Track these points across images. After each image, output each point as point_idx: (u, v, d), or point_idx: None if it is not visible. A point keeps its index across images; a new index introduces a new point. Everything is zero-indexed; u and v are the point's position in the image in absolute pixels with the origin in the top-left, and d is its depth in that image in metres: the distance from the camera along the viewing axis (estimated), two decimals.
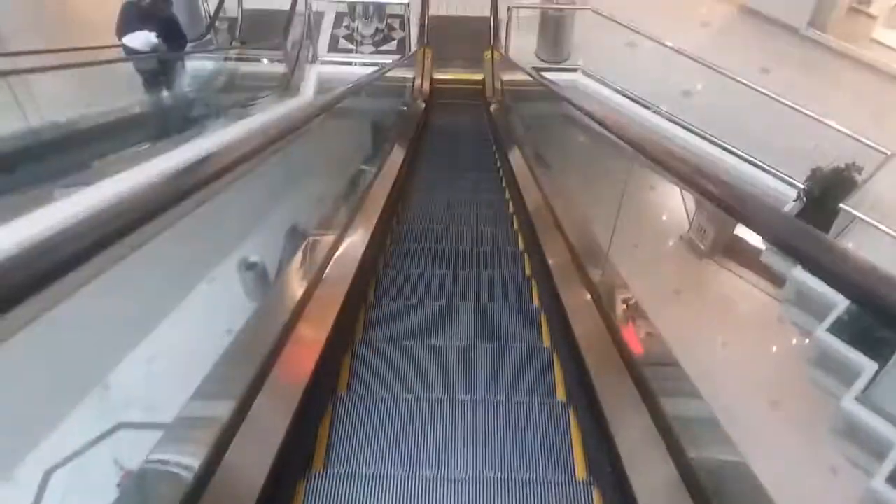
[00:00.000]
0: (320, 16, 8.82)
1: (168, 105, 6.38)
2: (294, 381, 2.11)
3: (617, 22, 7.48)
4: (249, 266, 7.09)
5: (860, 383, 4.14)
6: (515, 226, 4.60)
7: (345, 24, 8.99)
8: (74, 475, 5.14)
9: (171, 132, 5.71)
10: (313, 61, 8.31)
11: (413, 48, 8.79)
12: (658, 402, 1.89)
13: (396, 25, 9.08)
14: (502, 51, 8.51)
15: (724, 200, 1.56)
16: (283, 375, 2.03)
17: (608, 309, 2.53)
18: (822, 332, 4.36)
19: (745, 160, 6.45)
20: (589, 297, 2.76)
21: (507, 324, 3.06)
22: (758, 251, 6.20)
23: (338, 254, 3.07)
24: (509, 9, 8.32)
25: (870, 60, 7.85)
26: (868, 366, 4.18)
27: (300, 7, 7.92)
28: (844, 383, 4.32)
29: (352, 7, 8.83)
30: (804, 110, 5.94)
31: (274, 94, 7.37)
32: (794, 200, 5.41)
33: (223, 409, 1.69)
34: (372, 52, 8.75)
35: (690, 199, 7.71)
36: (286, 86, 7.59)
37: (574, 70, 8.08)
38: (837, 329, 4.35)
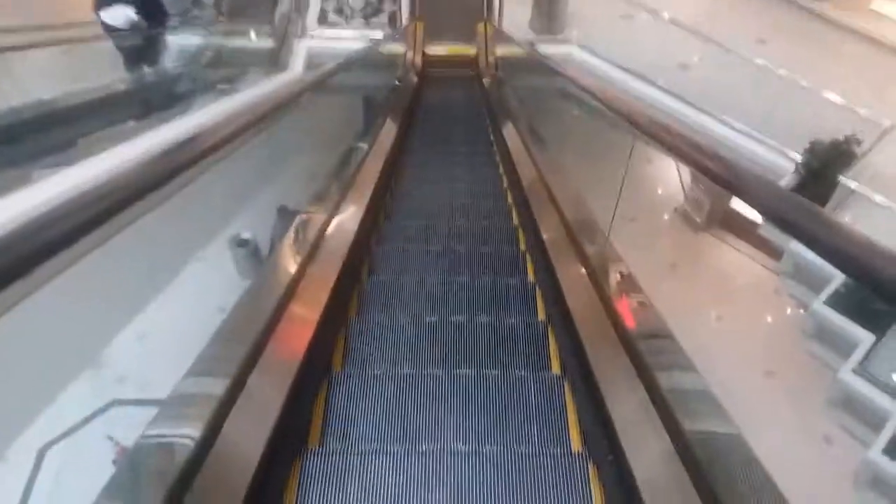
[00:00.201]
0: None
1: (149, 83, 6.22)
2: (288, 357, 2.09)
3: None
4: (241, 243, 7.05)
5: (857, 355, 4.12)
6: (510, 200, 4.54)
7: None
8: (69, 453, 5.13)
9: (153, 111, 5.56)
10: (302, 36, 8.16)
11: (404, 21, 8.64)
12: (653, 374, 1.87)
13: None
14: (496, 24, 8.37)
15: (718, 174, 1.54)
16: (277, 351, 2.00)
17: (603, 283, 2.49)
18: (819, 305, 4.34)
19: (743, 133, 6.35)
20: (584, 271, 2.72)
21: (502, 297, 3.02)
22: (754, 223, 6.17)
23: (330, 229, 3.01)
24: None
25: (868, 31, 7.75)
26: (865, 337, 4.16)
27: None
28: (841, 355, 4.31)
29: None
30: (802, 82, 5.86)
31: (262, 70, 7.24)
32: (792, 173, 5.35)
33: (219, 385, 1.67)
34: (362, 26, 8.59)
35: (686, 171, 7.65)
36: (275, 61, 7.46)
37: (569, 42, 7.96)
38: (835, 301, 4.33)
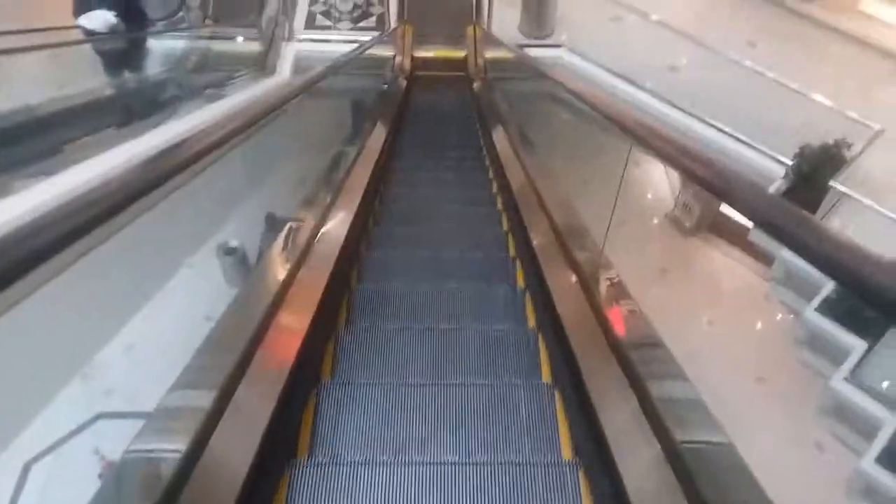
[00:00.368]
0: None
1: (132, 88, 6.12)
2: (277, 368, 2.07)
3: None
4: (228, 251, 6.96)
5: (849, 363, 4.09)
6: (499, 205, 4.52)
7: None
8: (54, 467, 5.04)
9: (136, 118, 5.46)
10: (290, 39, 8.09)
11: (393, 24, 8.58)
12: (643, 382, 1.85)
13: (375, 0, 8.86)
14: (485, 27, 8.33)
15: (706, 178, 1.51)
16: (265, 361, 1.98)
17: (593, 288, 2.48)
18: (810, 313, 4.31)
19: (733, 137, 6.32)
20: (574, 277, 2.70)
21: (492, 304, 3.01)
22: (744, 228, 6.15)
23: (320, 235, 2.99)
24: None
25: (857, 33, 7.75)
26: (857, 345, 4.13)
27: None
28: (833, 363, 4.28)
29: None
30: (791, 85, 5.84)
31: (249, 75, 7.17)
32: (783, 178, 5.32)
33: (206, 397, 1.65)
34: (350, 29, 8.53)
35: (675, 175, 7.63)
36: (262, 65, 7.38)
37: (558, 46, 7.93)
38: (826, 309, 4.30)
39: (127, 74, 6.02)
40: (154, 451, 1.59)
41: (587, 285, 2.53)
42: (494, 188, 4.99)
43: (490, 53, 8.18)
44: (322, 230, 3.06)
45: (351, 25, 8.59)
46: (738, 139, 6.34)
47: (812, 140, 5.30)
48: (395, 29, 8.51)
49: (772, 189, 5.19)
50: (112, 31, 5.44)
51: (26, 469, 4.98)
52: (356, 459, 1.95)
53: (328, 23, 8.56)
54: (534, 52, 6.81)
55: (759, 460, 1.46)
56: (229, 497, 1.60)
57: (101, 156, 3.94)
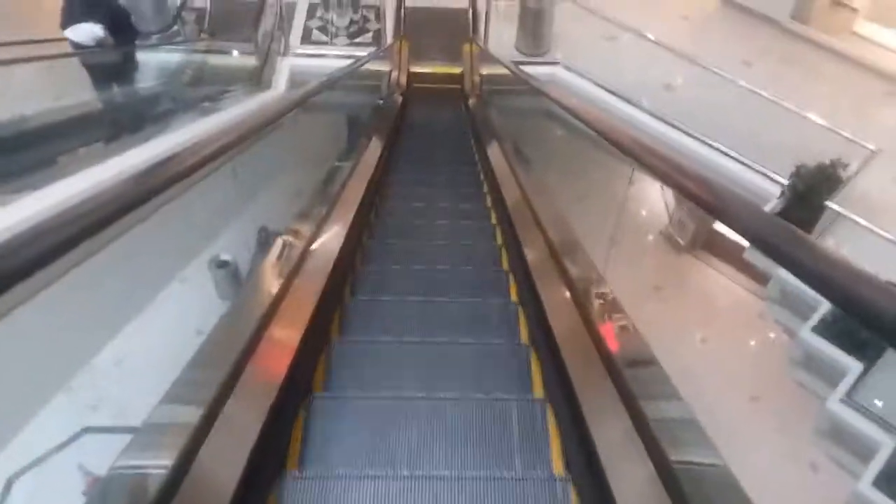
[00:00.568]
0: (292, 6, 8.58)
1: (124, 103, 6.07)
2: (267, 381, 2.04)
3: (596, 14, 7.36)
4: (220, 264, 6.92)
5: (845, 384, 4.06)
6: (494, 219, 4.53)
7: (318, 14, 8.76)
8: (38, 482, 4.95)
9: (125, 133, 5.39)
10: (285, 54, 8.09)
11: (389, 40, 8.60)
12: (636, 399, 1.84)
13: (372, 16, 8.88)
14: (481, 44, 8.35)
15: (701, 197, 1.53)
16: (255, 376, 1.95)
17: (587, 305, 2.46)
18: (806, 333, 4.28)
19: (728, 156, 6.32)
20: (568, 293, 2.68)
21: (485, 318, 3.01)
22: (738, 246, 6.13)
23: (313, 248, 2.97)
24: (488, 0, 8.17)
25: (852, 54, 7.79)
26: (853, 366, 4.10)
27: None
28: (829, 383, 4.25)
29: None
30: (786, 104, 5.85)
31: (244, 89, 7.15)
32: (779, 197, 5.32)
33: (195, 411, 1.63)
34: (346, 45, 8.54)
35: (670, 193, 7.63)
36: (257, 79, 7.37)
37: (554, 63, 7.94)
38: (822, 329, 4.27)
39: (115, 89, 5.97)
40: (141, 467, 1.56)
41: (581, 300, 2.51)
42: (489, 202, 4.99)
43: (486, 70, 8.19)
44: (316, 243, 3.04)
45: (347, 41, 8.60)
46: (733, 158, 6.34)
47: (807, 159, 5.30)
48: (391, 45, 8.52)
49: (767, 208, 5.18)
50: (99, 45, 5.37)
51: (8, 485, 4.89)
52: (347, 473, 1.93)
53: (324, 38, 8.57)
54: (530, 69, 6.80)
55: (753, 480, 1.45)
56: None
57: (80, 173, 3.88)
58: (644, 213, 8.24)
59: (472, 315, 3.01)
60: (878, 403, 3.82)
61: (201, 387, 1.73)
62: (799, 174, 5.18)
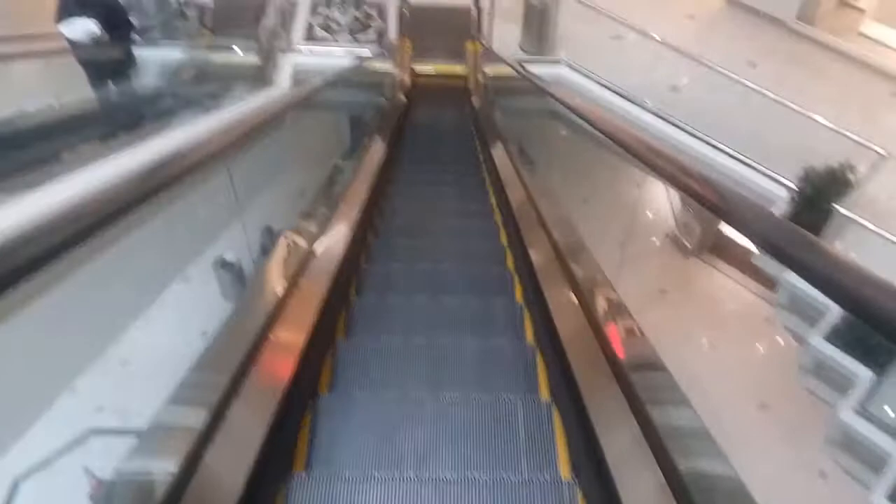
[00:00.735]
0: (294, 3, 8.50)
1: (120, 101, 5.96)
2: (273, 382, 2.03)
3: (601, 12, 7.29)
4: (224, 265, 6.86)
5: (857, 393, 3.99)
6: (498, 220, 4.52)
7: (320, 11, 8.68)
8: (44, 485, 4.91)
9: (124, 131, 5.29)
10: (288, 51, 8.01)
11: (392, 38, 8.53)
12: (642, 402, 1.82)
13: (374, 14, 8.80)
14: (485, 43, 8.28)
15: (709, 200, 1.52)
16: (261, 376, 1.95)
17: (592, 308, 2.43)
18: (817, 340, 4.21)
19: (736, 158, 6.25)
20: (573, 295, 2.66)
21: (490, 319, 3.00)
22: (746, 250, 6.07)
23: (319, 248, 2.95)
24: None
25: (858, 55, 7.73)
26: (866, 375, 4.03)
27: None
28: (840, 392, 4.19)
29: None
30: (792, 105, 5.78)
31: (246, 86, 7.08)
32: (787, 201, 5.24)
33: (200, 413, 1.62)
34: (349, 42, 8.46)
35: (675, 195, 7.57)
36: (260, 76, 7.30)
37: (558, 63, 7.87)
38: (833, 336, 4.20)
39: (112, 86, 5.86)
40: (146, 470, 1.56)
41: (586, 303, 2.49)
42: (493, 203, 4.93)
43: (490, 69, 8.12)
44: (321, 243, 3.02)
45: (350, 38, 8.52)
46: (738, 160, 6.27)
47: (813, 162, 5.23)
48: (394, 43, 8.45)
49: (775, 211, 5.11)
50: (94, 41, 5.28)
51: (15, 486, 4.85)
52: (353, 475, 1.93)
53: (327, 35, 8.49)
54: (534, 69, 6.73)
55: (762, 487, 1.45)
56: None
57: (70, 175, 3.80)
58: (650, 215, 8.19)
59: (477, 315, 3.00)
60: (892, 414, 3.76)
61: (207, 389, 1.73)
62: (807, 177, 5.11)
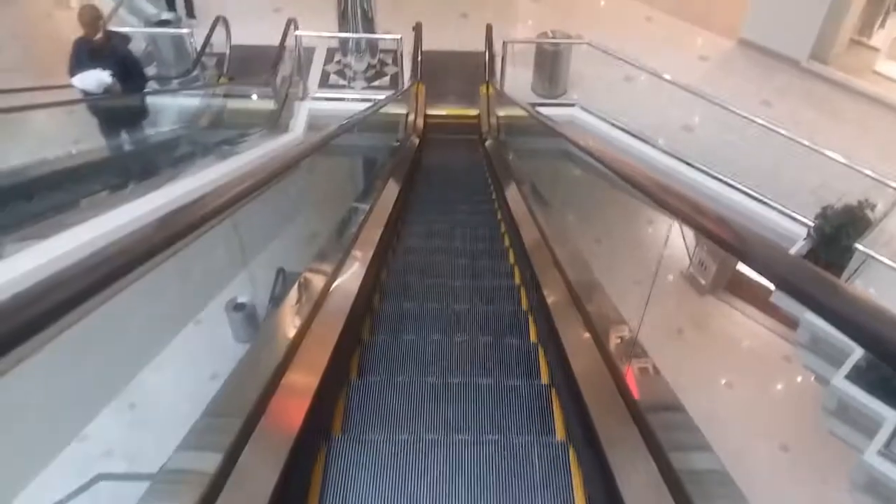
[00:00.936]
0: (311, 51, 8.68)
1: (131, 151, 6.02)
2: (286, 424, 2.02)
3: (613, 55, 7.36)
4: (237, 307, 6.89)
5: (883, 435, 3.88)
6: (512, 260, 4.51)
7: (336, 59, 8.86)
8: None
9: (137, 179, 5.33)
10: (304, 97, 8.15)
11: (406, 84, 8.66)
12: (660, 443, 1.81)
13: (389, 61, 8.95)
14: (497, 86, 8.37)
15: (726, 240, 1.51)
16: (274, 418, 1.95)
17: (608, 347, 2.44)
18: (839, 380, 4.11)
19: (752, 197, 6.21)
20: (588, 334, 2.66)
21: (504, 358, 2.98)
22: (763, 288, 5.99)
23: (332, 288, 2.96)
24: (504, 43, 8.21)
25: (873, 93, 7.72)
26: (890, 416, 3.92)
27: (290, 42, 7.78)
28: (864, 433, 4.07)
29: (343, 42, 8.68)
30: (807, 143, 5.77)
31: (262, 133, 7.19)
32: (805, 239, 5.19)
33: (212, 456, 1.63)
34: (364, 88, 8.60)
35: (690, 233, 7.51)
36: (275, 123, 7.41)
37: (571, 105, 7.94)
38: (856, 376, 4.10)
39: (124, 135, 5.95)
40: None
41: (601, 342, 2.48)
42: (507, 242, 4.94)
43: (503, 112, 8.19)
44: (335, 283, 3.03)
45: (365, 84, 8.66)
46: (755, 198, 6.23)
47: (830, 200, 5.19)
48: (408, 88, 8.57)
49: (793, 250, 5.05)
50: (107, 92, 5.34)
51: None
52: None
53: (342, 82, 8.64)
54: (547, 111, 6.79)
55: None
56: None
57: (80, 225, 3.84)
58: (665, 253, 8.13)
59: (491, 355, 2.98)
60: None
61: (219, 432, 1.74)
62: (825, 216, 5.06)
